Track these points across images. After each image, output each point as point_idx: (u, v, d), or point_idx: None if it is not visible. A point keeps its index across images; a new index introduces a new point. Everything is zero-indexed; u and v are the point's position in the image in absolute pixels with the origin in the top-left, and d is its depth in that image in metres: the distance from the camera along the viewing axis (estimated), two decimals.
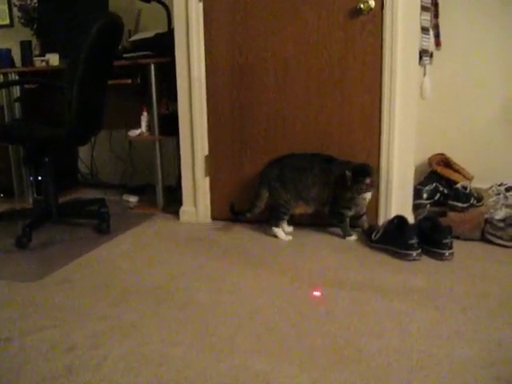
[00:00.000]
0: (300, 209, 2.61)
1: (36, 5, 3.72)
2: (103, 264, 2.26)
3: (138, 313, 1.74)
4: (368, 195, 2.47)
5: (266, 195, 2.63)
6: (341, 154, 2.64)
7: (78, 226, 2.92)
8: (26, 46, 3.60)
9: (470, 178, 2.88)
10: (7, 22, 4.09)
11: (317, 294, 1.90)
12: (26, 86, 3.72)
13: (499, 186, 2.73)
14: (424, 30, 2.85)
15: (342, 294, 1.85)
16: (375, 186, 2.50)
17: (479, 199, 2.59)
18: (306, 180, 2.54)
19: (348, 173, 2.39)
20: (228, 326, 1.62)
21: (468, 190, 2.58)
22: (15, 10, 3.92)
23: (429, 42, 2.92)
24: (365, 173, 2.40)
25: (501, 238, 2.36)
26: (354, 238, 2.53)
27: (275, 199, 2.60)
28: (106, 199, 3.18)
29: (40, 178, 3.50)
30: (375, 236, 2.37)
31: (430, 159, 2.96)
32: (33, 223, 2.59)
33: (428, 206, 2.76)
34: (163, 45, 3.10)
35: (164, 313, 1.73)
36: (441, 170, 2.88)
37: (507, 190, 2.67)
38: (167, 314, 1.72)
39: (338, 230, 2.60)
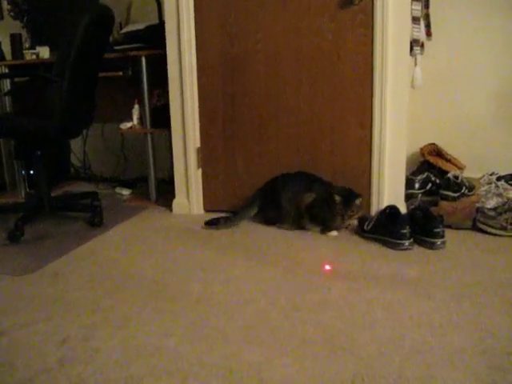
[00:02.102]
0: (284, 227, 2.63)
1: None
2: (96, 257, 2.25)
3: (131, 305, 1.74)
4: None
5: (251, 214, 2.69)
6: (332, 144, 2.65)
7: (71, 219, 2.91)
8: (16, 39, 3.57)
9: (461, 168, 2.89)
10: None
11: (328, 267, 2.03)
12: (17, 79, 3.69)
13: (490, 175, 2.74)
14: (415, 20, 2.86)
15: (335, 284, 1.85)
16: (363, 208, 2.49)
17: (471, 188, 2.60)
18: (288, 202, 2.56)
19: (338, 197, 2.38)
20: (220, 317, 1.62)
21: (459, 180, 2.60)
22: (5, 2, 3.88)
23: (420, 32, 2.93)
24: (354, 196, 2.40)
25: (492, 226, 2.37)
26: (335, 233, 2.50)
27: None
28: (99, 192, 3.17)
29: (32, 171, 3.48)
30: (367, 226, 2.37)
31: (421, 149, 2.97)
32: (25, 217, 2.58)
33: (420, 195, 2.77)
34: (154, 37, 3.08)
35: (156, 304, 1.73)
36: (433, 159, 2.89)
37: (498, 179, 2.68)
38: (160, 306, 1.72)
39: None
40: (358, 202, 2.40)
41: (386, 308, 1.64)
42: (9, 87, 3.60)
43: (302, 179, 2.57)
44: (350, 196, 2.40)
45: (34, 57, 3.47)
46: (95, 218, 2.74)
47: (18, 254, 2.34)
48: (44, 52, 3.46)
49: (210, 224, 2.64)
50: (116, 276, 2.02)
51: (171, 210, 3.00)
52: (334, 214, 2.43)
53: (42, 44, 3.51)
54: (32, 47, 3.56)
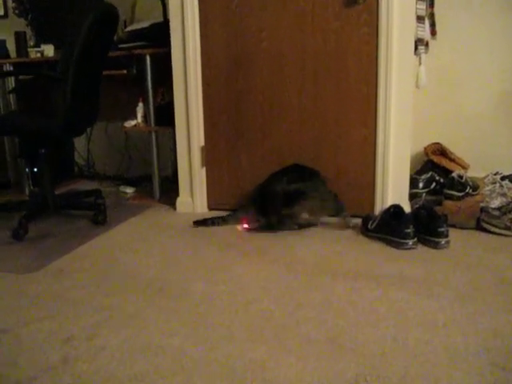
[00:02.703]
0: None
1: None
2: (100, 255, 2.26)
3: (135, 303, 1.74)
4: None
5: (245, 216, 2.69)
6: (336, 143, 2.65)
7: (75, 217, 2.91)
8: (20, 37, 3.57)
9: (465, 167, 2.88)
10: (1, 12, 4.06)
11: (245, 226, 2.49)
12: (21, 77, 3.69)
13: (495, 174, 2.74)
14: (419, 19, 2.85)
15: (338, 283, 1.85)
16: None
17: (475, 188, 2.60)
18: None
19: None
20: (224, 316, 1.62)
21: (464, 179, 2.59)
22: (9, 0, 3.88)
23: (424, 31, 2.92)
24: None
25: (496, 226, 2.36)
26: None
27: None
28: (103, 190, 3.18)
29: (36, 169, 3.49)
30: (371, 225, 2.37)
31: (426, 148, 2.96)
32: (29, 215, 2.59)
33: (424, 195, 2.77)
34: (159, 35, 3.08)
35: (160, 303, 1.74)
36: (437, 159, 2.88)
37: (502, 178, 2.67)
38: (164, 305, 1.72)
39: (332, 220, 2.60)
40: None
41: (390, 307, 1.64)
42: (13, 85, 3.60)
43: (295, 175, 2.58)
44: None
45: (39, 55, 3.47)
46: (99, 216, 2.74)
47: (22, 252, 2.34)
48: (48, 50, 3.46)
49: (199, 224, 2.65)
50: (120, 274, 2.02)
51: (175, 209, 3.00)
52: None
53: (46, 42, 3.51)
54: (37, 45, 3.57)
